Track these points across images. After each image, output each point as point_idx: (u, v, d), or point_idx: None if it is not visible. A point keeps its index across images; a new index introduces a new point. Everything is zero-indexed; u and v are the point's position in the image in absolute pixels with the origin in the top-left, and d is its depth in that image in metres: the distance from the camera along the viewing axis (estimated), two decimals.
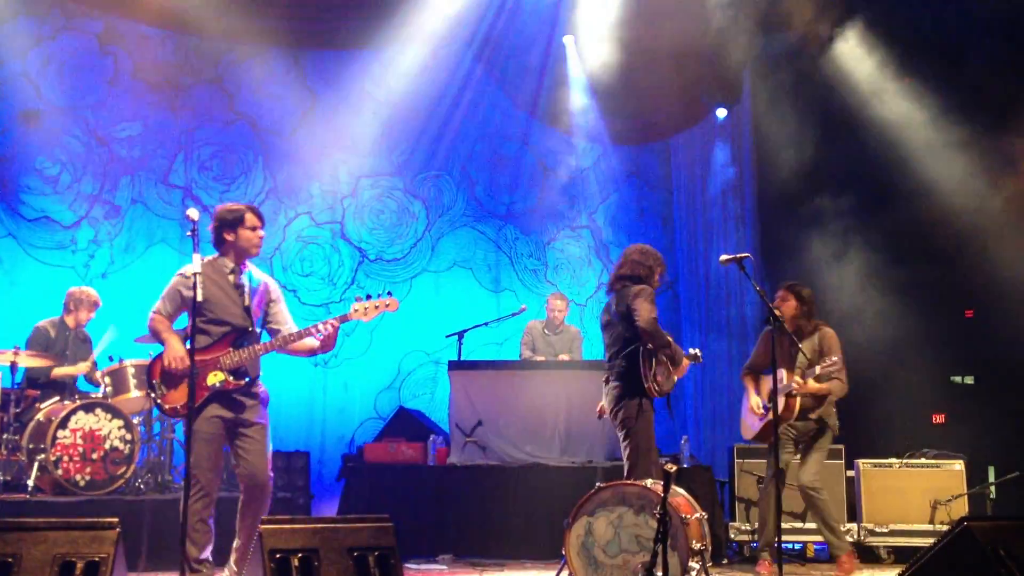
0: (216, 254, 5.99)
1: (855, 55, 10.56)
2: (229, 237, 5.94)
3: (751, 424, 7.63)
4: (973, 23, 9.78)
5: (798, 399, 7.30)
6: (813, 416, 7.42)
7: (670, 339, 6.64)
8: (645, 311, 6.52)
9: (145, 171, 10.97)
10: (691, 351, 7.12)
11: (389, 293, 6.03)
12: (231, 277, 5.93)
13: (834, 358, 7.20)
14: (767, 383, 7.45)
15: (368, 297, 5.98)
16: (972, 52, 9.79)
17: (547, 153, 12.34)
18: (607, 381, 6.79)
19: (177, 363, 5.66)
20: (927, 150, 10.18)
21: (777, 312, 6.79)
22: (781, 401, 7.19)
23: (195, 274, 5.47)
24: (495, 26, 11.32)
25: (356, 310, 5.95)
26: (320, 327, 5.87)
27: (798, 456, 7.57)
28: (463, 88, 11.90)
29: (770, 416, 7.23)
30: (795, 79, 10.91)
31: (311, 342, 5.96)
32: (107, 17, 10.72)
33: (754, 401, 7.55)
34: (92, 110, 10.77)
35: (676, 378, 6.86)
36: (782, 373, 7.37)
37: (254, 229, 5.96)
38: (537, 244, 12.25)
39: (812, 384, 7.28)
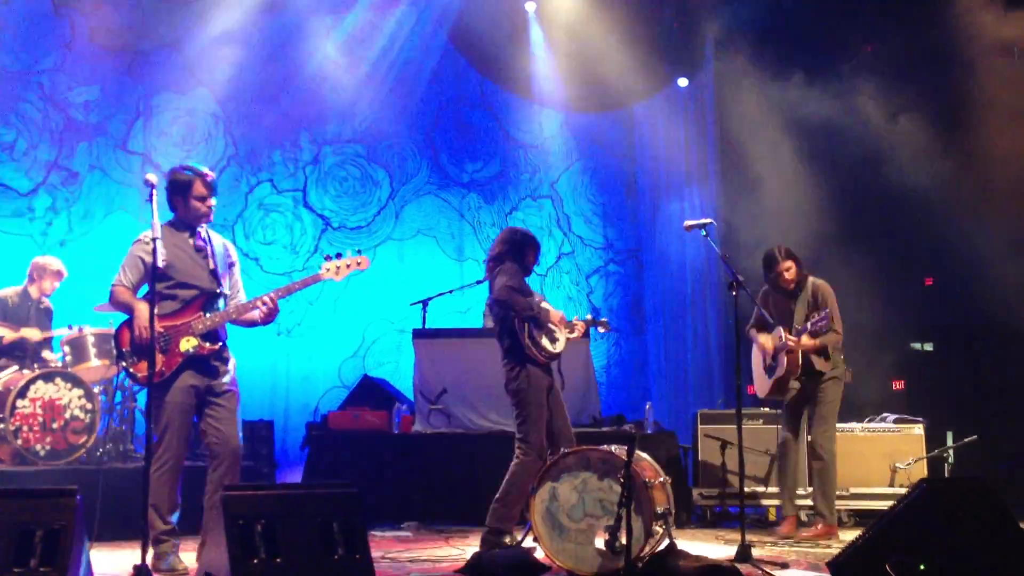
0: (172, 218, 5.92)
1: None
2: (178, 203, 5.87)
3: (761, 383, 7.82)
4: None
5: (799, 353, 7.45)
6: (820, 368, 7.54)
7: (530, 302, 6.59)
8: (499, 283, 6.56)
9: (103, 137, 10.79)
10: (581, 318, 7.08)
11: (359, 251, 5.97)
12: (190, 241, 5.87)
13: (823, 311, 7.34)
14: (771, 340, 7.66)
15: (339, 256, 5.91)
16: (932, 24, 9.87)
17: (510, 121, 12.31)
18: (503, 359, 6.79)
19: (146, 331, 5.56)
20: (887, 121, 10.25)
21: (740, 278, 6.80)
22: (783, 359, 7.44)
23: (154, 239, 5.39)
24: None
25: (327, 269, 5.88)
26: (264, 300, 5.77)
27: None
28: (426, 54, 11.84)
29: (778, 373, 7.51)
30: (758, 47, 10.93)
31: (253, 314, 5.87)
32: None
33: (763, 339, 7.70)
34: (48, 74, 10.57)
35: (565, 338, 6.80)
36: (780, 331, 7.55)
37: (202, 199, 5.84)
38: (499, 213, 12.22)
39: (806, 341, 7.42)
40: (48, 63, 10.58)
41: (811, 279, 7.69)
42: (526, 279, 6.77)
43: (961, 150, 9.87)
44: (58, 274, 8.64)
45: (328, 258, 5.89)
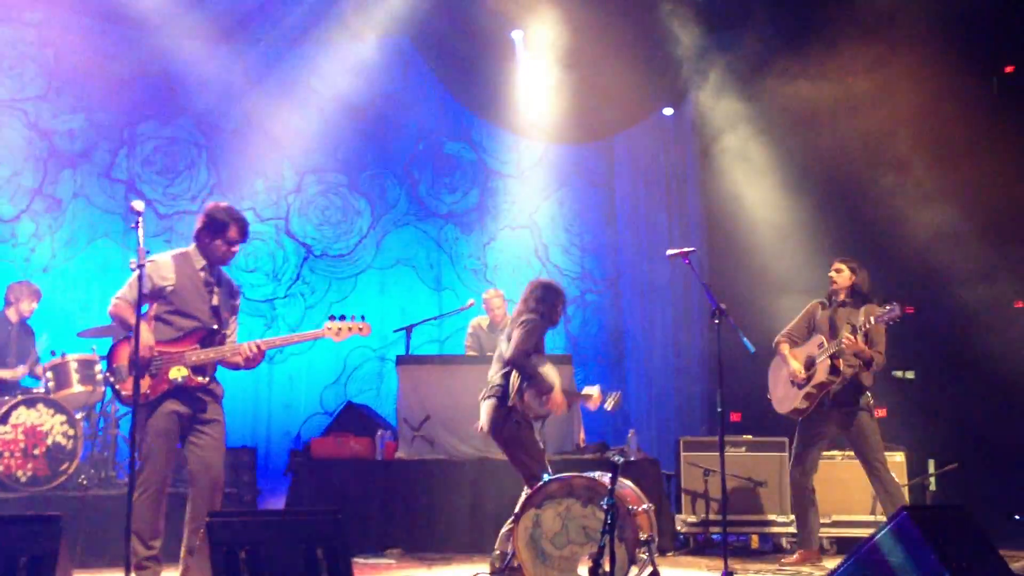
0: (193, 246, 5.95)
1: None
2: (206, 239, 5.91)
3: (786, 395, 7.63)
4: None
5: (842, 361, 7.31)
6: (864, 382, 7.40)
7: (537, 373, 6.61)
8: (518, 342, 6.60)
9: (87, 165, 10.83)
10: (587, 390, 7.09)
11: (363, 317, 6.04)
12: (202, 274, 5.89)
13: (891, 305, 7.20)
14: (803, 353, 7.53)
15: (343, 318, 5.99)
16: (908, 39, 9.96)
17: (489, 152, 12.35)
18: (483, 399, 6.82)
19: (145, 351, 5.58)
20: (870, 152, 10.32)
21: (723, 307, 6.81)
22: (825, 364, 7.31)
23: (140, 266, 5.41)
24: (441, 21, 11.30)
25: (329, 329, 5.97)
26: (254, 347, 5.81)
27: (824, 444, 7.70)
28: (408, 85, 11.90)
29: (811, 385, 7.36)
30: (741, 78, 11.01)
31: (237, 358, 5.89)
32: (48, 8, 10.55)
33: (795, 366, 7.51)
34: (33, 102, 10.61)
35: (551, 409, 6.76)
36: (821, 338, 7.44)
37: (230, 244, 5.90)
38: (477, 244, 12.24)
39: (862, 341, 7.27)
40: (33, 91, 10.61)
41: (869, 303, 7.52)
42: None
43: (944, 178, 9.95)
44: (36, 294, 8.62)
45: (332, 318, 5.98)
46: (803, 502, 7.61)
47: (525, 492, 6.61)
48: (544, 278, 7.23)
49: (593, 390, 7.07)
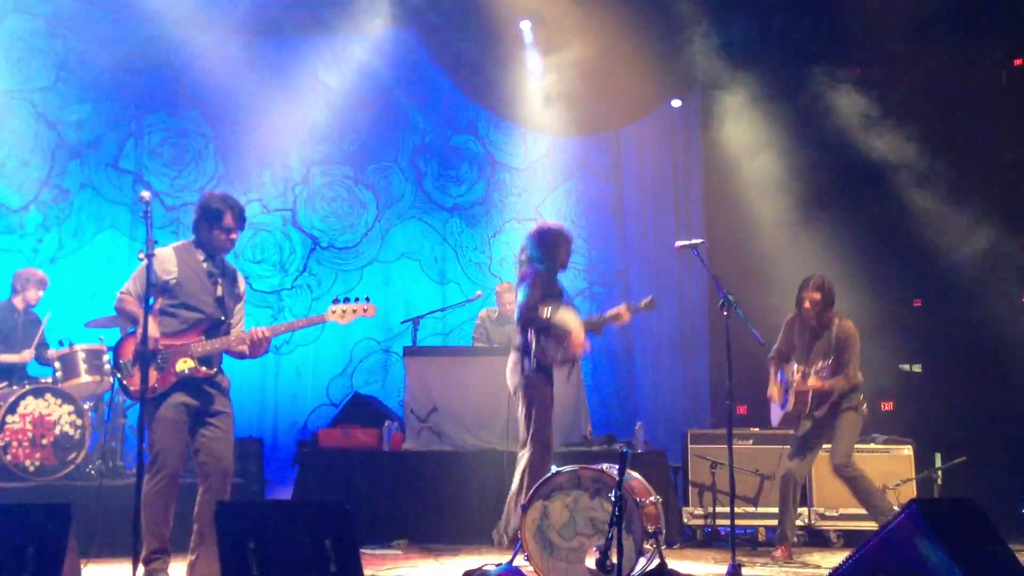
0: (192, 238, 5.94)
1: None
2: (203, 229, 5.90)
3: (773, 412, 7.92)
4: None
5: (808, 394, 7.47)
6: (831, 401, 7.47)
7: (547, 318, 6.68)
8: (522, 297, 6.73)
9: (95, 155, 10.82)
10: (612, 311, 7.20)
11: (367, 299, 6.04)
12: (205, 265, 5.89)
13: (828, 361, 7.39)
14: (790, 369, 7.70)
15: (347, 300, 5.99)
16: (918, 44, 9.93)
17: (496, 145, 12.31)
18: (514, 351, 6.95)
19: (151, 344, 5.57)
20: (878, 145, 10.30)
21: (731, 298, 6.78)
22: (792, 396, 7.55)
23: (149, 256, 5.41)
24: (448, 12, 11.28)
25: (333, 312, 5.98)
26: (260, 333, 5.81)
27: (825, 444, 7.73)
28: (414, 76, 11.87)
29: (787, 409, 7.63)
30: (749, 70, 10.99)
31: (242, 347, 5.89)
32: None
33: (772, 390, 7.81)
34: (41, 93, 10.60)
35: (573, 352, 6.86)
36: (793, 368, 7.62)
37: (228, 232, 5.89)
38: (482, 237, 12.21)
39: (813, 382, 7.44)
40: (41, 82, 10.60)
41: (838, 321, 7.50)
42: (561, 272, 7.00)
43: (951, 171, 9.93)
44: (41, 283, 8.62)
45: (336, 301, 5.98)
46: (792, 496, 7.60)
47: (520, 468, 6.67)
48: (543, 222, 7.26)
49: (619, 308, 7.17)
